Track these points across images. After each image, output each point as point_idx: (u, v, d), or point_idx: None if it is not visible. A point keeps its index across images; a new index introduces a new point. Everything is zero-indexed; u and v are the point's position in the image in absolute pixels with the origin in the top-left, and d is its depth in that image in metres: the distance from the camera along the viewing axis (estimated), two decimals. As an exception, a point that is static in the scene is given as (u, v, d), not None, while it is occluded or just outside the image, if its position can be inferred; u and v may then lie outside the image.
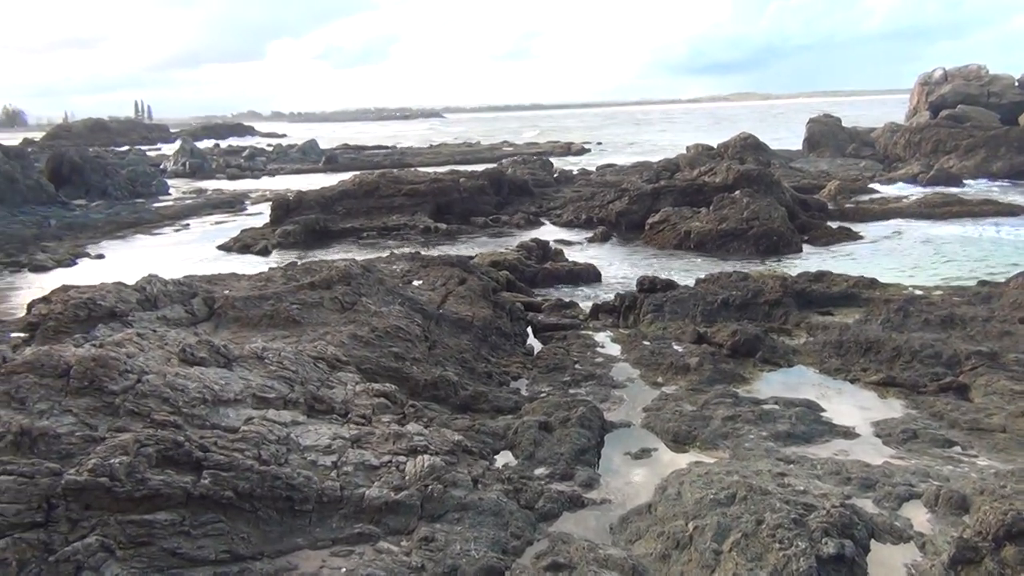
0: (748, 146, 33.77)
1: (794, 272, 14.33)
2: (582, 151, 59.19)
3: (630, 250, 19.88)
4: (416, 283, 11.90)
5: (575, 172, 37.35)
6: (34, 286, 17.06)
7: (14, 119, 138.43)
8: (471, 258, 15.38)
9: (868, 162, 37.06)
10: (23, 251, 21.05)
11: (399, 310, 9.81)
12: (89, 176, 33.79)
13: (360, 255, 17.18)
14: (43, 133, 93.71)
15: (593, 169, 38.46)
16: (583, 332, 11.63)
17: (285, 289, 9.54)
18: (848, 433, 7.80)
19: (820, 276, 13.47)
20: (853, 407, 8.57)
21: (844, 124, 44.45)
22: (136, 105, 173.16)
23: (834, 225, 21.26)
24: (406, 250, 16.70)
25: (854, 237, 20.20)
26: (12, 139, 57.75)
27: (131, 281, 8.99)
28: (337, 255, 18.75)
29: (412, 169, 35.24)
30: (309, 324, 8.87)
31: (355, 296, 9.73)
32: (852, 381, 9.31)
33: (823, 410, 8.35)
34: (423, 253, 15.25)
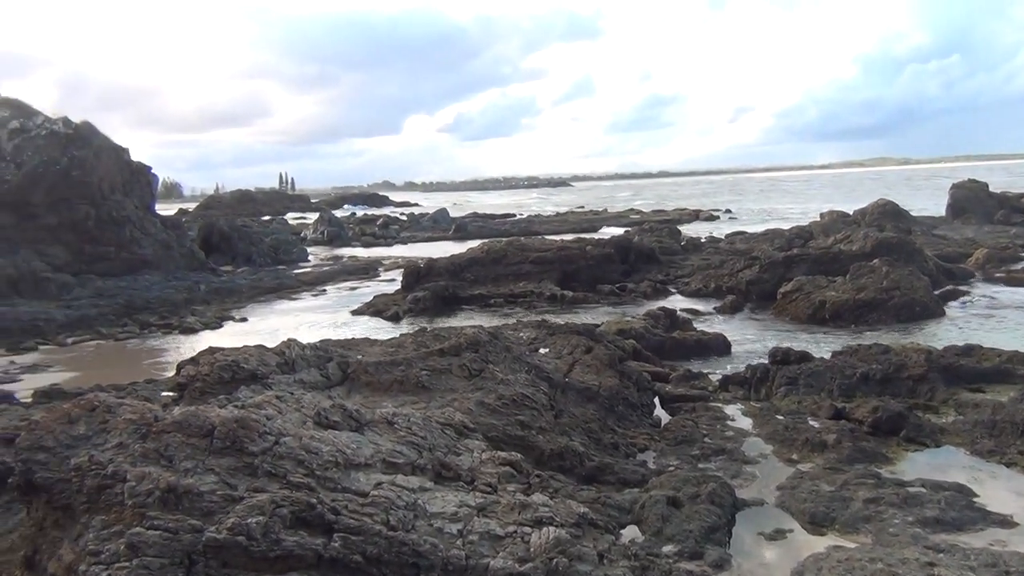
0: (887, 213, 32.53)
1: (939, 345, 13.52)
2: (710, 218, 58.50)
3: (761, 320, 19.32)
4: (542, 351, 11.91)
5: (703, 240, 36.88)
6: (184, 347, 18.11)
7: (172, 191, 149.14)
8: (597, 326, 15.30)
9: (1019, 229, 34.96)
10: (175, 314, 22.43)
11: (525, 378, 9.82)
12: (236, 244, 35.89)
13: (487, 322, 17.40)
14: (196, 203, 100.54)
15: (722, 237, 37.88)
16: (712, 404, 11.30)
17: (415, 355, 9.73)
18: (1005, 522, 7.18)
19: (969, 350, 12.63)
20: (1010, 493, 7.90)
21: (991, 189, 42.19)
22: (281, 177, 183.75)
23: (982, 295, 20.05)
24: (533, 317, 16.82)
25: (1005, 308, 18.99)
26: (169, 209, 62.24)
27: (271, 344, 9.37)
28: (465, 321, 19.07)
29: (539, 237, 35.68)
30: (437, 390, 8.99)
31: (483, 363, 9.82)
32: (1008, 465, 8.61)
33: (976, 495, 7.73)
34: (549, 321, 15.29)
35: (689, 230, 43.98)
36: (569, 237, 34.34)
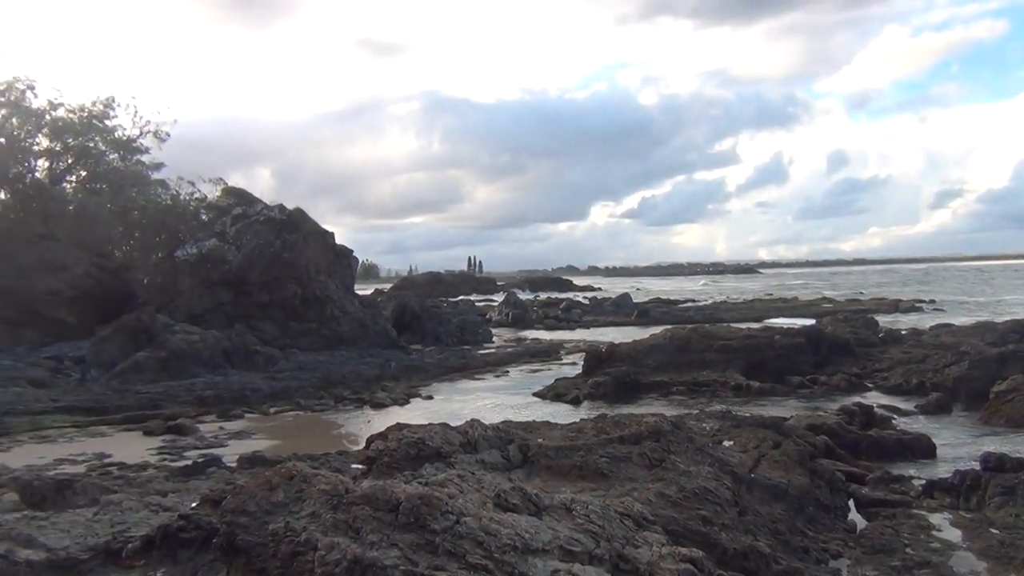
0: (1121, 308, 29.30)
1: None
2: (912, 309, 54.84)
3: (970, 422, 17.72)
4: (726, 443, 11.48)
5: (904, 332, 34.56)
6: (373, 421, 18.90)
7: (370, 272, 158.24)
8: (786, 419, 14.59)
9: None
10: (367, 389, 23.51)
11: (708, 471, 9.47)
12: (426, 324, 37.38)
13: (669, 410, 17.03)
14: (391, 284, 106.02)
15: (925, 329, 35.38)
16: (915, 511, 10.40)
17: (595, 441, 9.65)
18: None
19: None
20: None
21: None
22: (469, 260, 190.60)
23: None
24: (716, 408, 16.29)
25: None
26: (367, 289, 65.93)
27: (455, 423, 9.59)
28: (646, 408, 18.74)
29: (724, 324, 34.77)
30: (617, 478, 8.84)
31: (664, 453, 9.59)
32: None
33: None
34: (734, 412, 14.75)
35: (888, 321, 41.42)
36: (756, 325, 33.25)
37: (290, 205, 35.17)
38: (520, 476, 8.66)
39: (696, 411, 15.00)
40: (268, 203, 35.73)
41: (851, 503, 10.98)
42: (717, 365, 23.82)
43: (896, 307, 55.38)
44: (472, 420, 9.58)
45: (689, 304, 67.02)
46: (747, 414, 14.83)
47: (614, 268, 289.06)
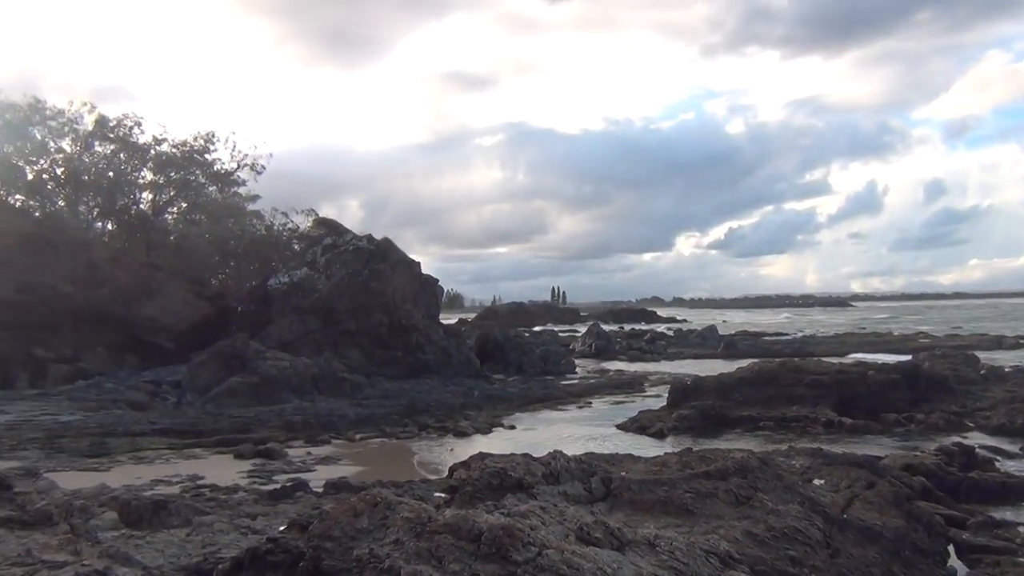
0: None
1: None
2: (1016, 345, 52.29)
3: (1083, 465, 16.71)
4: (817, 482, 11.11)
5: (1008, 369, 32.94)
6: (456, 449, 19.00)
7: (455, 302, 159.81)
8: (880, 458, 14.04)
9: None
10: (450, 417, 23.68)
11: (798, 510, 9.18)
12: (509, 354, 37.49)
13: (756, 446, 16.59)
14: (475, 314, 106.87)
15: (1031, 366, 33.61)
16: (1021, 560, 9.85)
17: (680, 476, 9.47)
18: None
19: None
20: None
21: None
22: (553, 291, 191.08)
23: None
24: (806, 444, 15.80)
25: None
26: (451, 319, 66.59)
27: (537, 453, 9.55)
28: (732, 444, 18.32)
29: (814, 358, 33.81)
30: (702, 515, 8.65)
31: (751, 490, 9.34)
32: None
33: None
34: (825, 449, 14.28)
35: (989, 358, 39.56)
36: (848, 360, 32.20)
37: (378, 235, 35.98)
38: (602, 509, 8.56)
39: (785, 447, 14.58)
40: (357, 233, 36.59)
41: (951, 549, 10.46)
42: (807, 400, 23.14)
43: (999, 343, 52.89)
44: (555, 451, 9.53)
45: (777, 337, 65.45)
46: (839, 452, 14.34)
47: (699, 300, 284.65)
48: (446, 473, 11.46)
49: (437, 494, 9.72)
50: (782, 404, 23.08)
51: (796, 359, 29.37)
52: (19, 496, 7.34)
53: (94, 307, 31.40)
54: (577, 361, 42.52)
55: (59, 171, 40.66)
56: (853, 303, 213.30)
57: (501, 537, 5.40)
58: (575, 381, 34.30)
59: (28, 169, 40.62)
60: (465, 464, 9.63)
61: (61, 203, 41.04)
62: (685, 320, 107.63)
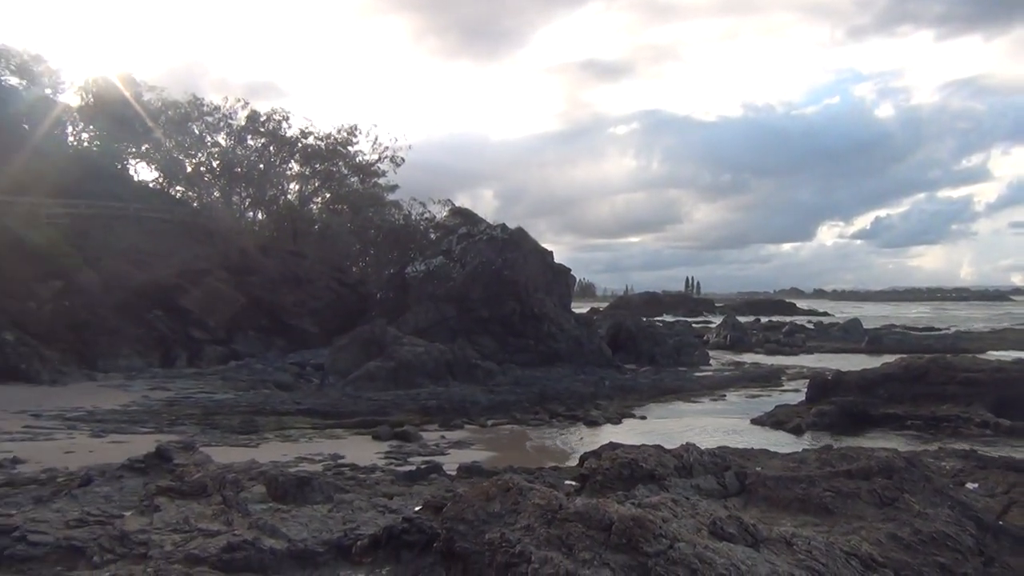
0: None
1: None
2: None
3: None
4: (970, 486, 10.48)
5: None
6: (586, 439, 19.01)
7: (587, 291, 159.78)
8: (1043, 464, 13.08)
9: None
10: (581, 406, 23.70)
11: (948, 514, 8.68)
12: (641, 344, 37.14)
13: (901, 445, 15.81)
14: (607, 303, 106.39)
15: None
16: None
17: (819, 474, 9.14)
18: None
19: None
20: None
21: None
22: (687, 281, 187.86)
23: None
24: (958, 446, 14.92)
25: None
26: (583, 308, 66.60)
27: (668, 445, 9.45)
28: (875, 442, 17.51)
29: (969, 355, 31.83)
30: (842, 515, 8.32)
31: (896, 492, 8.90)
32: None
33: None
34: (979, 451, 13.44)
35: None
36: (1008, 357, 30.15)
37: (512, 225, 36.38)
38: (736, 505, 8.37)
39: (934, 448, 13.82)
40: (491, 223, 37.11)
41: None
42: (959, 399, 21.79)
43: None
44: (687, 444, 9.40)
45: (928, 332, 61.98)
46: (995, 455, 13.46)
47: (843, 292, 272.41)
48: (576, 461, 11.52)
49: (567, 482, 9.76)
50: (931, 402, 21.85)
51: (948, 356, 27.69)
52: (178, 468, 7.87)
53: (245, 292, 33.21)
54: (711, 353, 41.68)
55: (215, 163, 43.20)
56: (1014, 297, 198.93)
57: (632, 528, 5.38)
58: (709, 373, 33.63)
59: (187, 162, 43.36)
60: (596, 453, 9.64)
61: (216, 194, 43.61)
62: (827, 313, 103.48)
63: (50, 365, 24.38)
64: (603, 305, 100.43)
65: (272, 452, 15.11)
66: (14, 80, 38.80)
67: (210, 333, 31.64)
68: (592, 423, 21.38)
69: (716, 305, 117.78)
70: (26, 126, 35.95)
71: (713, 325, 61.30)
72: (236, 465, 8.29)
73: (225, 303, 32.28)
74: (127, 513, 6.46)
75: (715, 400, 26.74)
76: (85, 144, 41.73)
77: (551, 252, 37.03)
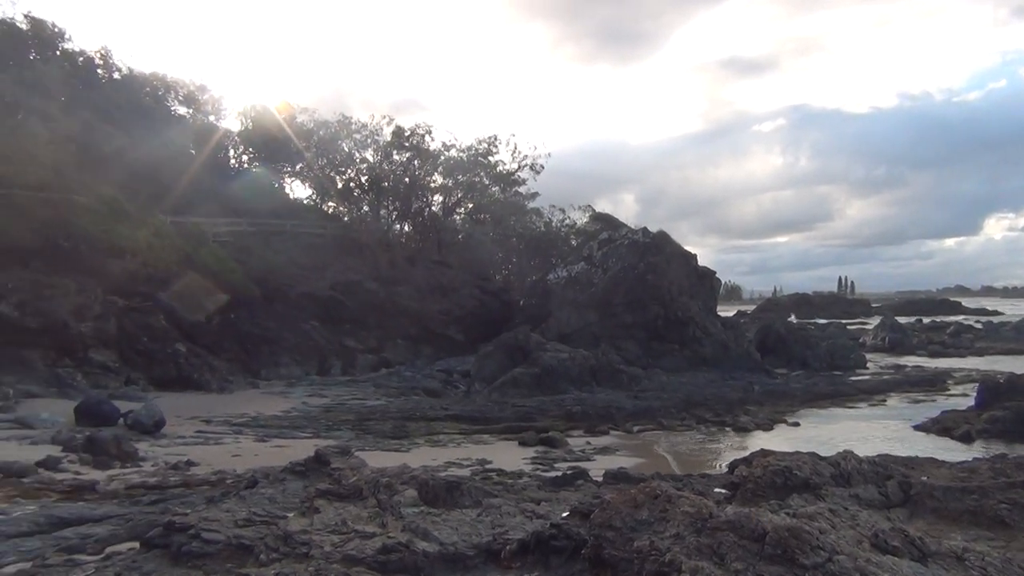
0: None
1: None
2: None
3: None
4: None
5: None
6: (735, 445, 18.51)
7: (732, 294, 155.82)
8: None
9: None
10: (729, 411, 23.09)
11: None
12: (792, 347, 35.85)
13: (1089, 454, 14.50)
14: (754, 306, 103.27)
15: None
16: None
17: (992, 484, 8.52)
18: None
19: None
20: None
21: None
22: (840, 281, 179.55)
23: None
24: None
25: None
26: (729, 311, 64.95)
27: (823, 453, 9.09)
28: (1058, 451, 16.16)
29: None
30: (1020, 529, 7.72)
31: (1083, 505, 8.19)
32: None
33: None
34: None
35: None
36: None
37: (653, 228, 35.97)
38: (901, 516, 7.93)
39: None
40: (632, 227, 36.82)
41: None
42: None
43: None
44: (845, 451, 8.99)
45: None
46: None
47: (1015, 288, 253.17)
48: (725, 469, 11.23)
49: (717, 490, 9.53)
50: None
51: None
52: (335, 472, 8.21)
53: (394, 302, 34.36)
54: (868, 356, 39.69)
55: (363, 179, 44.93)
56: None
57: (787, 539, 5.19)
58: (866, 377, 32.05)
59: (338, 178, 45.33)
60: (746, 460, 9.37)
61: (365, 208, 45.36)
62: (996, 311, 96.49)
63: (218, 374, 26.05)
64: (750, 308, 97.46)
65: (422, 457, 15.51)
66: (182, 109, 41.81)
67: (362, 342, 32.92)
68: (741, 429, 20.79)
69: (872, 306, 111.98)
70: (192, 151, 38.61)
71: (870, 327, 58.39)
72: (389, 469, 8.57)
73: (376, 313, 33.49)
74: (290, 514, 6.79)
75: (874, 406, 25.43)
76: (245, 166, 44.44)
77: (695, 255, 36.38)
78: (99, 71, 39.40)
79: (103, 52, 39.86)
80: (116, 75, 39.87)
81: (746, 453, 10.26)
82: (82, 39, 46.23)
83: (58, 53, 37.88)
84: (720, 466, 14.46)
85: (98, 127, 33.28)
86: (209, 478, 12.59)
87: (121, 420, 17.34)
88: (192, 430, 17.88)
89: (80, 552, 7.58)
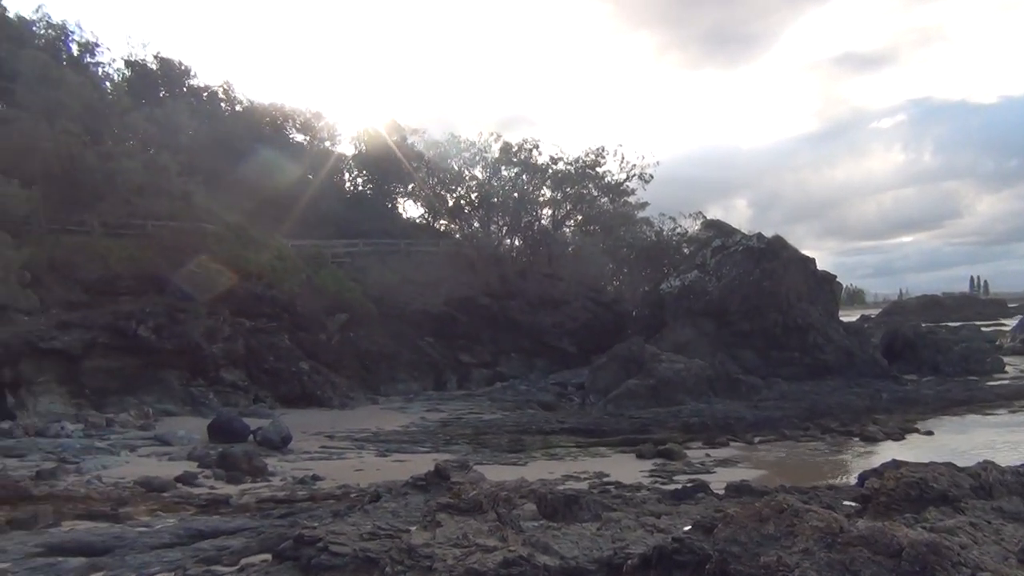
0: None
1: None
2: None
3: None
4: None
5: None
6: (863, 456, 17.76)
7: (855, 298, 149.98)
8: None
9: None
10: (856, 421, 22.21)
11: None
12: (922, 352, 34.24)
13: None
14: (878, 310, 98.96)
15: None
16: None
17: None
18: None
19: None
20: None
21: None
22: (972, 280, 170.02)
23: None
24: None
25: None
26: (851, 316, 62.47)
27: (960, 463, 8.62)
28: None
29: None
30: None
31: None
32: None
33: None
34: None
35: None
36: None
37: (768, 233, 35.07)
38: (1051, 531, 7.42)
39: None
40: (746, 233, 36.01)
41: None
42: None
43: None
44: (984, 461, 8.50)
45: None
46: None
47: None
48: (854, 481, 10.78)
49: (846, 503, 9.17)
50: None
51: None
52: (455, 485, 8.32)
53: (507, 316, 34.65)
54: (1006, 359, 37.38)
55: (473, 196, 45.58)
56: None
57: (926, 555, 4.94)
58: (1005, 382, 30.23)
59: (448, 196, 46.15)
60: (877, 472, 8.98)
61: (476, 224, 45.95)
62: None
63: (339, 390, 26.88)
64: (874, 312, 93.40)
65: (539, 470, 15.53)
66: (299, 137, 43.51)
67: (476, 356, 33.32)
68: (869, 439, 19.94)
69: (1009, 306, 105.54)
70: (310, 176, 40.10)
71: (1007, 328, 55.06)
72: (507, 483, 8.62)
73: (489, 327, 33.86)
74: (413, 528, 6.93)
75: (1015, 412, 23.93)
76: (359, 188, 45.83)
77: (813, 259, 35.23)
78: (222, 104, 41.51)
79: (225, 86, 42.06)
80: (238, 107, 41.94)
81: (876, 464, 9.82)
82: (206, 75, 48.89)
83: (185, 89, 40.16)
84: (848, 478, 13.91)
85: (222, 157, 35.08)
86: (334, 492, 12.98)
87: (251, 437, 18.10)
88: (317, 445, 18.49)
89: (217, 563, 7.94)
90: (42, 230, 24.54)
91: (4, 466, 14.08)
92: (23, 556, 8.12)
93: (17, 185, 23.16)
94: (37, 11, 38.99)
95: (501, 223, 46.33)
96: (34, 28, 38.00)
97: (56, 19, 39.51)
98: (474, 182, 45.93)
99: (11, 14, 38.02)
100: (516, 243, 47.43)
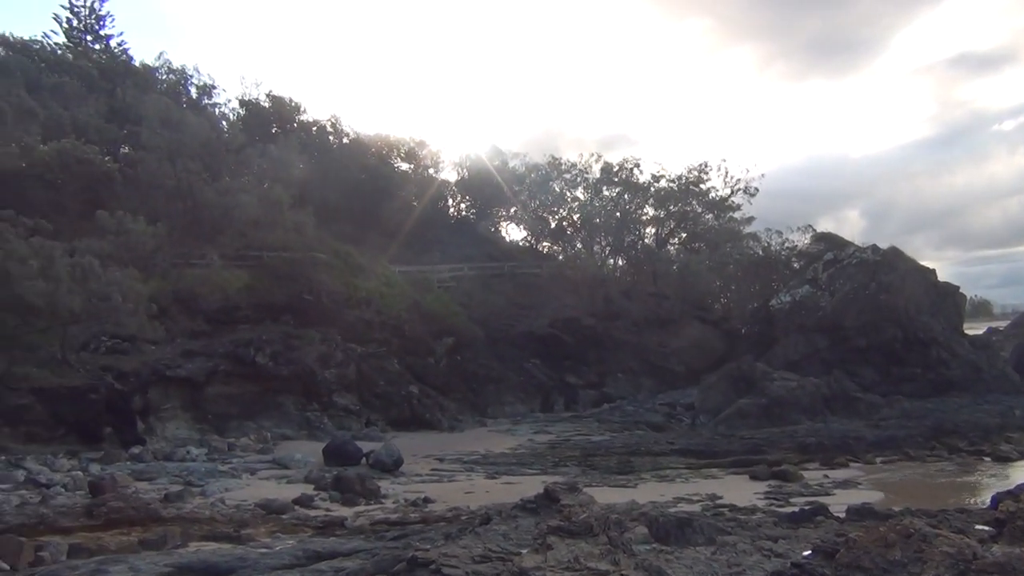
0: None
1: None
2: None
3: None
4: None
5: None
6: (997, 477, 16.79)
7: (980, 309, 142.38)
8: None
9: None
10: (986, 439, 21.03)
11: None
12: (1058, 366, 32.10)
13: None
14: (1007, 321, 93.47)
15: None
16: None
17: None
18: None
19: None
20: None
21: None
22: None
23: None
24: None
25: None
26: (978, 329, 59.22)
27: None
28: None
29: None
30: None
31: None
32: None
33: None
34: None
35: None
36: None
37: (883, 244, 33.76)
38: None
39: None
40: (859, 245, 34.79)
41: None
42: None
43: None
44: None
45: None
46: None
47: None
48: (987, 503, 10.19)
49: (978, 527, 8.67)
50: None
51: None
52: (565, 508, 8.28)
53: (612, 336, 34.40)
54: None
55: (575, 217, 45.62)
56: None
57: (1070, 583, 4.63)
58: None
59: (551, 218, 46.33)
60: (1012, 494, 8.47)
61: (579, 245, 45.93)
62: None
63: (448, 413, 27.23)
64: (1003, 324, 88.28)
65: (649, 492, 15.32)
66: (404, 165, 44.57)
67: (582, 377, 33.18)
68: (1002, 459, 18.85)
69: None
70: (415, 203, 40.99)
71: None
72: (618, 506, 8.54)
73: (594, 348, 33.70)
74: (524, 550, 6.92)
75: None
76: (463, 213, 46.55)
77: (933, 270, 33.68)
78: (330, 137, 42.95)
79: (333, 120, 43.50)
80: (345, 140, 43.30)
81: (1011, 485, 9.27)
82: (315, 110, 50.70)
83: (295, 125, 41.79)
84: (981, 500, 13.16)
85: (331, 188, 36.28)
86: (445, 514, 13.13)
87: (364, 459, 18.53)
88: (427, 468, 18.76)
89: (335, 584, 8.12)
90: (167, 263, 25.85)
91: (136, 489, 14.83)
92: (154, 575, 8.51)
93: (144, 222, 24.52)
94: (159, 57, 41.66)
95: (604, 243, 46.16)
96: (157, 74, 40.47)
97: (176, 64, 42.05)
98: (576, 203, 45.98)
99: (136, 62, 40.66)
100: (620, 263, 47.14)
